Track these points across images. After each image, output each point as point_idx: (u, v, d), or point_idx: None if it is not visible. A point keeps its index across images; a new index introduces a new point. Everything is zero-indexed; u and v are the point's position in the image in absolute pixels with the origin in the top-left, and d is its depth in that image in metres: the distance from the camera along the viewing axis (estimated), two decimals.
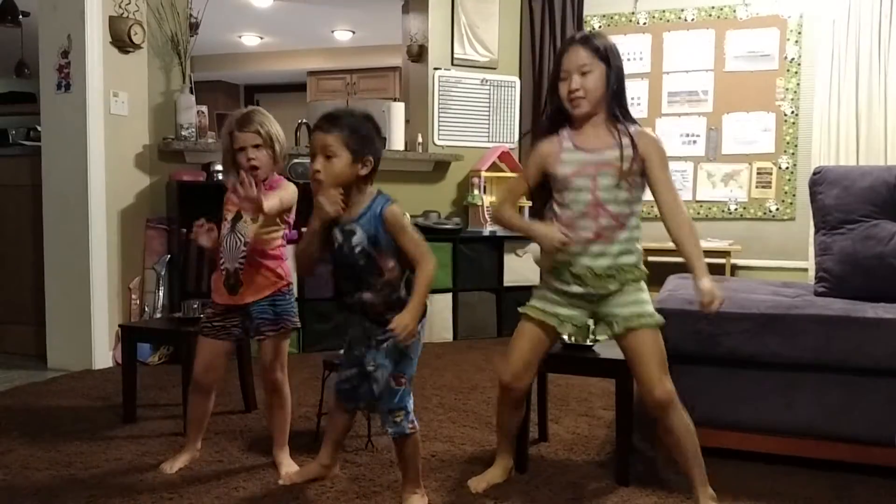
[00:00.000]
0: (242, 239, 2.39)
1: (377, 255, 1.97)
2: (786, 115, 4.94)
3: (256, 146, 2.35)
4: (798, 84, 4.91)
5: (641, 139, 2.04)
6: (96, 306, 3.91)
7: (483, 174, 4.98)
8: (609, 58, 2.03)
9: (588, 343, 2.44)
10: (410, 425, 2.04)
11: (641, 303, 2.07)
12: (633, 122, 2.09)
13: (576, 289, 2.09)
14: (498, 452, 2.36)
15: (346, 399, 2.19)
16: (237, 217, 2.42)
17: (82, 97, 3.84)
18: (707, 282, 1.99)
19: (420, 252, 1.97)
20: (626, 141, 2.03)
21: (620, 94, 2.07)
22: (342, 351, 2.20)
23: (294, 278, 4.10)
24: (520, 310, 2.21)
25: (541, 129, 2.19)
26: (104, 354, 3.96)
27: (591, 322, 2.16)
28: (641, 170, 2.05)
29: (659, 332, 2.06)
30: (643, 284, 2.10)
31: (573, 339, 2.36)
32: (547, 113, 2.17)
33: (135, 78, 4.17)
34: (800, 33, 4.89)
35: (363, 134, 1.95)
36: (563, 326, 2.14)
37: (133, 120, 4.16)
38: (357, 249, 1.97)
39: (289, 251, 2.51)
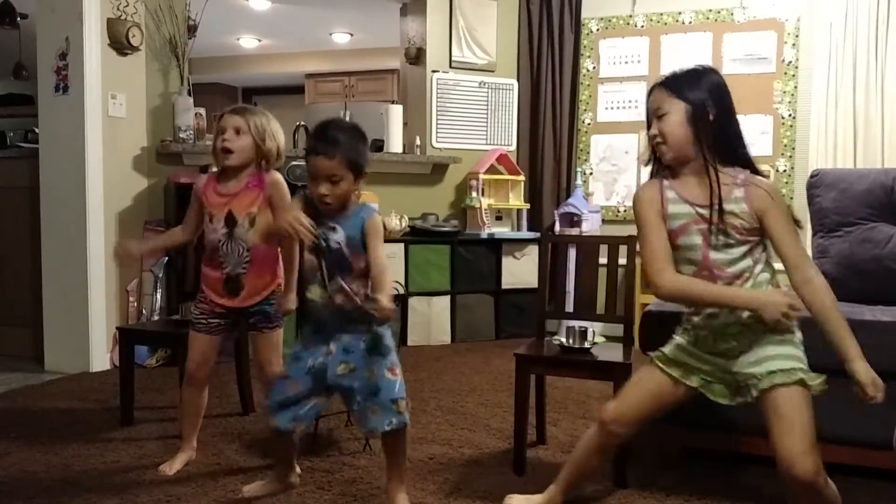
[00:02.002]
0: (245, 245, 2.38)
1: (352, 255, 2.01)
2: (783, 117, 4.95)
3: (238, 132, 2.34)
4: (795, 87, 4.92)
5: (752, 193, 1.75)
6: (94, 308, 3.91)
7: (481, 176, 4.98)
8: (687, 94, 1.76)
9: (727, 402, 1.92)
10: (409, 413, 2.04)
11: (783, 357, 1.76)
12: (746, 166, 1.79)
13: (704, 347, 1.86)
14: (555, 482, 2.08)
15: (285, 424, 2.06)
16: (232, 221, 2.38)
17: (80, 99, 3.84)
18: (863, 366, 1.70)
19: (384, 267, 1.99)
20: (737, 193, 1.76)
21: (721, 133, 1.77)
22: (283, 368, 2.09)
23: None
24: (650, 354, 1.99)
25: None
26: (102, 357, 3.95)
27: (726, 380, 1.87)
28: (758, 224, 1.76)
29: (806, 393, 1.73)
30: (788, 336, 1.78)
31: (707, 394, 1.91)
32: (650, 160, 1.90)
33: (133, 80, 4.17)
34: (797, 36, 4.90)
35: (360, 151, 2.00)
36: (688, 378, 1.87)
37: (131, 122, 4.16)
38: (334, 246, 2.01)
39: None
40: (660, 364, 1.92)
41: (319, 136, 1.98)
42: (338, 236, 2.01)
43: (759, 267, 1.81)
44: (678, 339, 1.93)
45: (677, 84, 1.79)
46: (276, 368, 2.44)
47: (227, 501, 2.19)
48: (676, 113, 1.77)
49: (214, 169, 2.48)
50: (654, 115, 1.80)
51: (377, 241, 2.02)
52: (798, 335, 1.81)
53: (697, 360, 1.88)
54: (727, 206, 1.76)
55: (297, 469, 2.30)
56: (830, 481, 1.73)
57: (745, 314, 1.77)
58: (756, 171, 1.81)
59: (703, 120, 1.75)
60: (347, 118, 4.99)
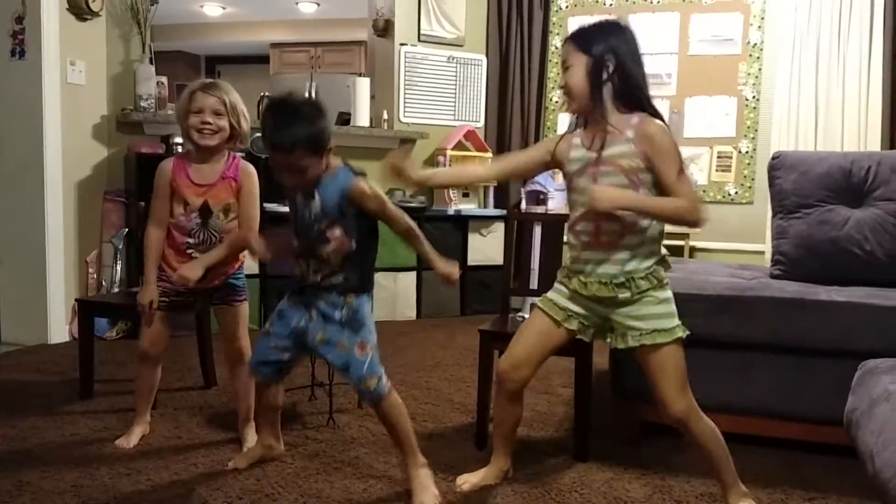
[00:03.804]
0: (218, 235, 2.36)
1: (327, 225, 1.97)
2: (747, 99, 5.01)
3: (217, 113, 2.30)
4: (760, 69, 4.97)
5: (640, 131, 1.83)
6: (52, 280, 3.84)
7: (449, 153, 4.97)
8: (590, 47, 1.83)
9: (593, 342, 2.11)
10: (388, 385, 2.08)
11: (661, 317, 1.90)
12: (643, 110, 1.86)
13: (585, 292, 1.93)
14: (493, 452, 2.16)
15: (268, 375, 2.15)
16: (207, 211, 2.34)
17: (37, 65, 3.73)
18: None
19: (405, 223, 2.06)
20: (628, 134, 1.84)
21: (621, 84, 1.84)
22: (268, 325, 2.13)
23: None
24: (533, 300, 2.09)
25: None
26: (60, 329, 3.89)
27: (601, 324, 1.99)
28: (648, 167, 1.84)
29: (679, 346, 1.90)
30: (665, 293, 1.91)
31: (582, 336, 2.04)
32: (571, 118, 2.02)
33: (93, 46, 4.06)
34: (763, 18, 4.95)
35: (319, 133, 1.90)
36: (569, 321, 1.97)
37: (91, 89, 4.06)
38: (313, 215, 1.98)
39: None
40: (543, 307, 2.00)
41: (272, 129, 1.88)
42: (315, 204, 1.97)
43: (645, 221, 1.87)
44: (561, 287, 2.01)
45: (581, 38, 1.87)
46: (244, 342, 2.44)
47: (188, 474, 2.18)
48: (579, 66, 1.85)
49: (180, 149, 2.43)
50: (562, 67, 1.90)
51: (375, 204, 1.97)
52: (670, 293, 1.94)
53: (577, 304, 1.97)
54: (616, 149, 1.85)
55: (282, 444, 2.35)
56: (705, 417, 1.94)
57: (628, 268, 1.88)
58: (655, 115, 1.88)
59: (602, 73, 1.83)
60: (313, 91, 4.93)
